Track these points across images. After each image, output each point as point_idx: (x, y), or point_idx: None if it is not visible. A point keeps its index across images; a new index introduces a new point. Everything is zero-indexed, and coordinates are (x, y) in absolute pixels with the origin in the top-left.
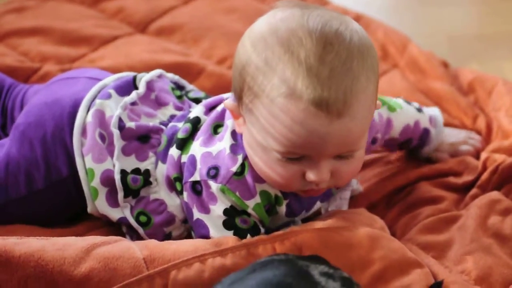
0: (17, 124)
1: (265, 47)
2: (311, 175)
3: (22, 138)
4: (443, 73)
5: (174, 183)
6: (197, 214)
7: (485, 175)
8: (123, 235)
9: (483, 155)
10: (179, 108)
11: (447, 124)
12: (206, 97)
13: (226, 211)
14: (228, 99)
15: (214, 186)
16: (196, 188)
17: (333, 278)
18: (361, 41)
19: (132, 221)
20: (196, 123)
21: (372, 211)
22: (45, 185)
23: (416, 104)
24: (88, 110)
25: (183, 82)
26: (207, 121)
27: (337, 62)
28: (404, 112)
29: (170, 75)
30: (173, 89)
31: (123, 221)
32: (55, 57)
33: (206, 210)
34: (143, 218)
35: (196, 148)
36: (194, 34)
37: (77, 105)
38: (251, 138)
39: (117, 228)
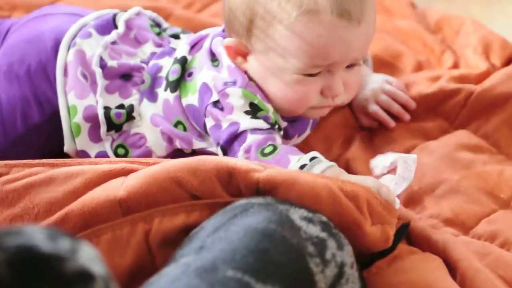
0: None
1: None
2: (329, 89)
3: (8, 77)
4: (410, 13)
5: (175, 127)
6: (226, 123)
7: (454, 109)
8: None
9: (443, 84)
10: (159, 45)
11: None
12: (183, 32)
13: (247, 112)
14: (225, 39)
15: (234, 91)
16: (218, 106)
17: (313, 223)
18: None
19: (110, 153)
20: (184, 63)
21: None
22: (41, 119)
23: None
24: (69, 48)
25: (160, 19)
26: (203, 56)
27: None
28: None
29: (148, 12)
30: (152, 26)
31: (100, 156)
32: (24, 6)
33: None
34: (121, 151)
35: (205, 74)
36: None
37: (59, 38)
38: (265, 65)
39: None
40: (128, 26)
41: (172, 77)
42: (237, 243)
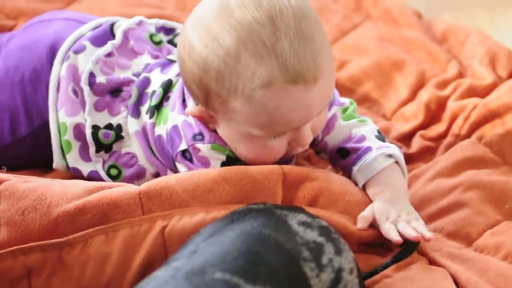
0: None
1: (217, 47)
2: (297, 141)
3: (2, 82)
4: (415, 23)
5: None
6: None
7: (458, 122)
8: None
9: (451, 104)
10: (155, 57)
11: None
12: None
13: (223, 164)
14: (188, 108)
15: (204, 147)
16: (186, 156)
17: (311, 228)
18: (298, 1)
19: (103, 174)
20: (167, 87)
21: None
22: (29, 131)
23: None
24: (63, 62)
25: (172, 24)
26: (179, 86)
27: (290, 31)
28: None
29: (154, 21)
30: (151, 36)
31: (93, 175)
32: (31, 13)
33: None
34: (113, 171)
35: (176, 117)
36: None
37: (54, 46)
38: (230, 132)
39: None
40: (126, 36)
41: (154, 102)
42: (229, 246)
